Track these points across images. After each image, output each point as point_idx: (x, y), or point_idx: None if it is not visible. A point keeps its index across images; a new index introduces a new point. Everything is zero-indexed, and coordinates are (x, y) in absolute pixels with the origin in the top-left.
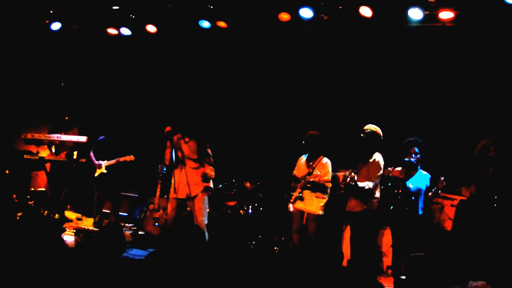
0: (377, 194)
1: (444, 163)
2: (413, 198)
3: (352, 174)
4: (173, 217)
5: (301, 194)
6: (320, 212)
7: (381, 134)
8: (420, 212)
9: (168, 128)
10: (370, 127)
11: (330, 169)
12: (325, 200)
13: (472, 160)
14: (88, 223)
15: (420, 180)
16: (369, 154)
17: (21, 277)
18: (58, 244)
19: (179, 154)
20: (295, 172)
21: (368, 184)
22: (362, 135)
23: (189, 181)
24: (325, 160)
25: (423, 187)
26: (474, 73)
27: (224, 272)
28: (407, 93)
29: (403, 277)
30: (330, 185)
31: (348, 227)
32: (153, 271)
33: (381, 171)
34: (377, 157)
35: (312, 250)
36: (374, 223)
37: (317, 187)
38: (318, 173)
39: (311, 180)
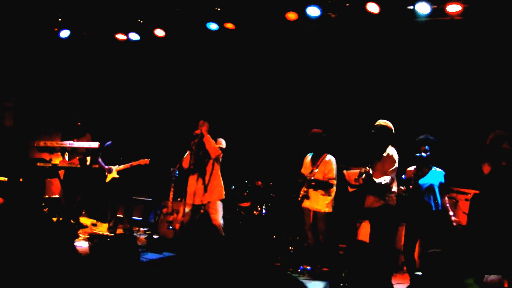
0: (395, 189)
1: (457, 158)
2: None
3: (367, 168)
4: (188, 220)
5: (306, 193)
6: (327, 209)
7: (392, 128)
8: (434, 208)
9: (197, 131)
10: (381, 122)
11: (334, 166)
12: (331, 197)
13: (483, 151)
14: (103, 229)
15: (432, 176)
16: (383, 149)
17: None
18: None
19: (199, 158)
20: (302, 170)
21: (385, 179)
22: (373, 130)
23: (205, 185)
24: (329, 157)
25: (436, 183)
26: (484, 67)
27: (240, 274)
28: (417, 88)
29: (419, 273)
30: (334, 182)
31: (362, 224)
32: (171, 275)
33: (396, 165)
34: (391, 151)
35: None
36: (393, 218)
37: (321, 185)
38: (316, 171)
39: (313, 178)
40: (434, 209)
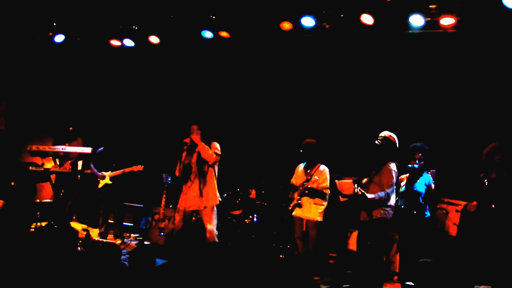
0: (391, 202)
1: (448, 169)
2: (421, 201)
3: (363, 180)
4: (179, 227)
5: (299, 201)
6: (319, 219)
7: (397, 142)
8: (428, 214)
9: (187, 140)
10: (386, 134)
11: (328, 176)
12: (323, 207)
13: (479, 165)
14: (93, 234)
15: (422, 183)
16: (383, 162)
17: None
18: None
19: (191, 164)
20: (293, 180)
21: (379, 195)
22: (377, 142)
23: (199, 192)
24: (323, 167)
25: (423, 190)
26: (477, 78)
27: (230, 280)
28: (410, 99)
29: (410, 283)
30: (328, 191)
31: (353, 234)
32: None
33: (394, 180)
34: (391, 165)
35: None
36: (386, 232)
37: (316, 193)
38: (317, 178)
39: (309, 186)
40: (428, 215)
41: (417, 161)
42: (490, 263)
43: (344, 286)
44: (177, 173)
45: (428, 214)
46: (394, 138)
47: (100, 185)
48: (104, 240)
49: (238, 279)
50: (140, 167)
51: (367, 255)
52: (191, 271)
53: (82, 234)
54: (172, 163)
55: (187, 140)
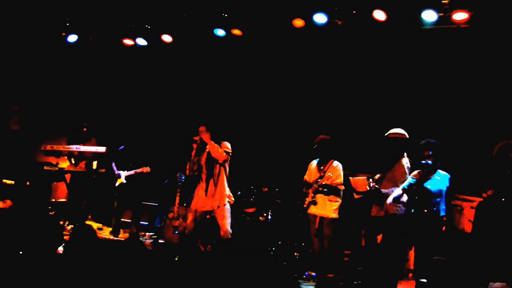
0: (404, 199)
1: (462, 165)
2: (434, 199)
3: (376, 177)
4: (192, 227)
5: (314, 199)
6: (334, 215)
7: (407, 137)
8: (442, 213)
9: (196, 138)
10: (396, 131)
11: (341, 172)
12: (338, 203)
13: (491, 161)
14: (106, 233)
15: (439, 181)
16: (395, 158)
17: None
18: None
19: (202, 164)
20: (306, 177)
21: (393, 190)
22: (388, 139)
23: (211, 192)
24: (336, 163)
25: (444, 188)
26: (489, 74)
27: (243, 278)
28: (423, 95)
29: (424, 280)
30: (342, 187)
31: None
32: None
33: (407, 176)
34: (403, 161)
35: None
36: (399, 228)
37: (330, 190)
38: (331, 175)
39: (323, 183)
40: (442, 214)
41: (427, 158)
42: (505, 260)
43: (356, 282)
44: (187, 173)
45: (442, 213)
46: (404, 135)
47: (117, 184)
48: (115, 238)
49: (251, 277)
50: (147, 169)
51: (380, 252)
52: (203, 269)
53: (98, 233)
54: (185, 162)
55: (196, 138)
